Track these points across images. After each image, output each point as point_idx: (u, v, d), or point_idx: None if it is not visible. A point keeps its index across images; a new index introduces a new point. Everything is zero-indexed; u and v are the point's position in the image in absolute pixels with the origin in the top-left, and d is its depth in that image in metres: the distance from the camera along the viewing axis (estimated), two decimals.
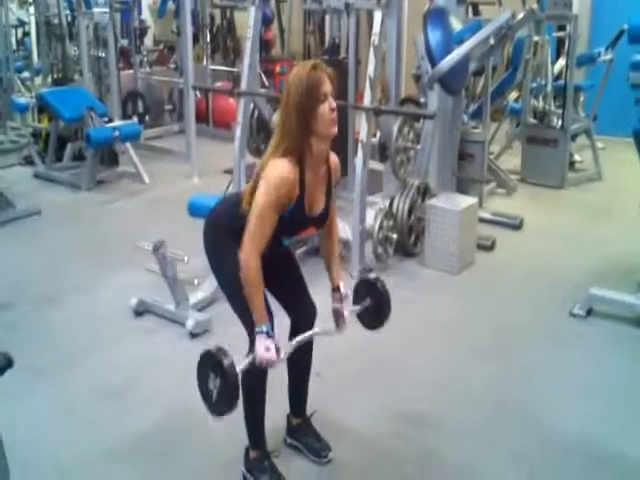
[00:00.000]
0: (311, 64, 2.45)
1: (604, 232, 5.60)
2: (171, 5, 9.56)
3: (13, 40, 8.96)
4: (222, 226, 2.63)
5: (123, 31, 9.55)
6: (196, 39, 8.77)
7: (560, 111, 6.82)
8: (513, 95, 7.31)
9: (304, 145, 2.45)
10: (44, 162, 7.14)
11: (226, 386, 2.31)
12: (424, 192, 5.14)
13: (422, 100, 6.08)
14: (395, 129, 4.89)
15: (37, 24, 8.91)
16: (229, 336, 3.66)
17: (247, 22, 5.28)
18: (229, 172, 5.80)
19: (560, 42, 7.57)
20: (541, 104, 7.01)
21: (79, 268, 4.90)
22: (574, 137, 7.14)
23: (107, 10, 7.71)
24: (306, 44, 10.14)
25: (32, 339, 3.93)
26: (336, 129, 2.49)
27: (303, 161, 2.46)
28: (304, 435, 2.98)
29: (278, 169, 2.42)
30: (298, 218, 2.55)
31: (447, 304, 4.44)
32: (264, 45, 9.26)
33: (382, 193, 5.46)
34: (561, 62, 7.32)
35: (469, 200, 4.99)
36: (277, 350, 2.46)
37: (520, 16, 5.61)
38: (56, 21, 8.49)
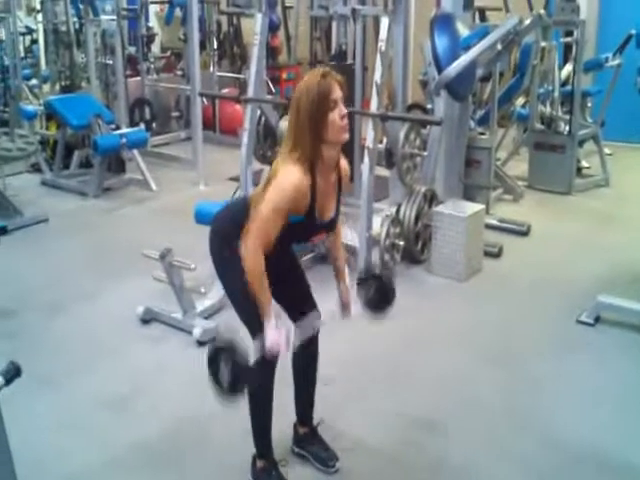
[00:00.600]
0: (321, 72, 2.45)
1: (612, 239, 5.58)
2: (178, 12, 9.57)
3: (21, 48, 8.98)
4: (228, 233, 2.62)
5: (130, 38, 9.57)
6: (203, 46, 8.78)
7: (567, 117, 6.80)
8: (520, 101, 7.28)
9: (315, 153, 2.44)
10: (51, 169, 7.15)
11: (235, 372, 2.30)
12: (431, 199, 5.13)
13: (429, 106, 6.07)
14: (402, 135, 4.88)
15: (45, 32, 8.97)
16: None
17: (254, 29, 5.28)
18: (235, 179, 5.80)
19: (567, 48, 7.54)
20: (548, 110, 6.99)
21: (86, 276, 4.90)
22: (581, 143, 7.11)
23: (114, 17, 7.75)
24: (313, 51, 10.13)
25: (38, 347, 3.93)
26: (347, 135, 2.49)
27: (314, 168, 2.45)
28: (311, 444, 2.97)
29: (291, 176, 2.41)
30: (310, 225, 2.54)
31: (454, 311, 4.42)
32: (271, 52, 9.26)
33: (389, 200, 5.44)
34: (568, 68, 7.30)
35: (476, 207, 4.97)
36: (286, 339, 2.46)
37: (527, 22, 5.60)
38: (64, 29, 8.55)
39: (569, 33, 7.24)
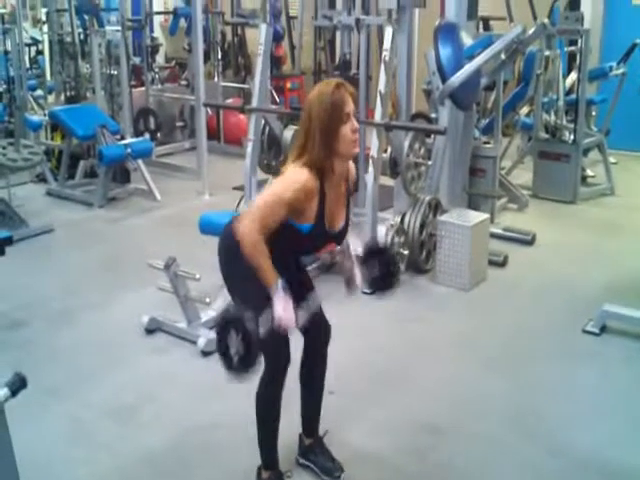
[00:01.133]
0: (335, 83, 2.43)
1: (617, 247, 5.56)
2: (182, 23, 9.62)
3: (27, 58, 9.03)
4: (236, 245, 2.62)
5: (135, 49, 9.63)
6: (207, 56, 8.80)
7: (572, 126, 6.79)
8: (525, 110, 7.29)
9: (325, 164, 2.43)
10: (57, 180, 7.16)
11: (247, 342, 2.26)
12: (435, 208, 5.13)
13: (433, 115, 6.08)
14: (406, 145, 4.88)
15: (50, 43, 9.00)
16: None
17: (258, 39, 5.31)
18: (240, 189, 5.81)
19: (572, 56, 7.56)
20: (553, 119, 6.99)
21: (91, 286, 4.90)
22: (586, 152, 7.11)
23: (119, 28, 7.78)
24: (317, 60, 10.17)
25: (44, 358, 3.92)
26: (357, 150, 2.48)
27: (324, 179, 2.45)
28: (317, 455, 2.95)
29: (297, 173, 2.41)
30: (320, 234, 2.54)
31: (459, 320, 4.41)
32: (275, 62, 9.28)
33: (393, 209, 5.44)
34: (573, 76, 7.31)
35: (481, 216, 4.97)
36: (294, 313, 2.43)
37: (531, 31, 5.60)
38: (69, 39, 8.57)
39: (573, 42, 7.26)
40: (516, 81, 7.50)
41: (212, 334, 3.99)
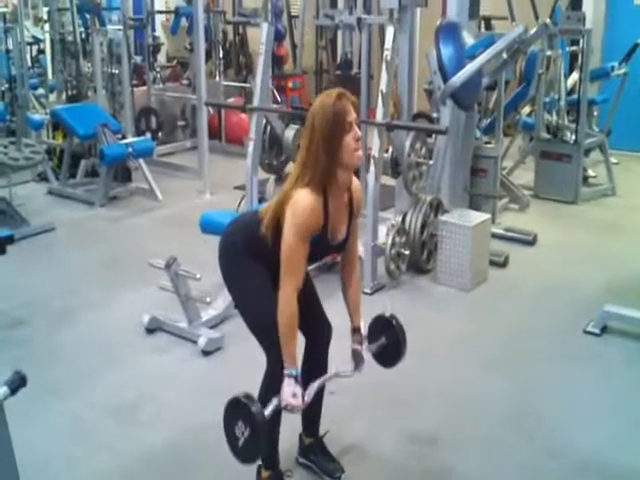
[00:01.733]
0: (336, 93, 2.44)
1: (618, 248, 5.56)
2: (184, 22, 9.62)
3: (28, 57, 9.02)
4: (237, 245, 2.63)
5: (136, 48, 9.62)
6: (209, 55, 8.79)
7: (573, 126, 6.79)
8: (526, 110, 7.29)
9: (329, 175, 2.44)
10: (58, 179, 7.17)
11: (255, 434, 2.31)
12: (436, 208, 5.13)
13: (434, 115, 6.08)
14: (407, 144, 4.88)
15: (52, 42, 9.01)
16: (241, 354, 3.68)
17: (259, 38, 5.30)
18: (241, 188, 5.81)
19: (573, 56, 7.56)
20: (554, 119, 6.98)
21: (92, 285, 4.91)
22: (588, 152, 7.10)
23: (121, 27, 7.78)
24: (318, 60, 10.17)
25: (45, 356, 3.93)
26: (360, 160, 2.51)
27: (327, 190, 2.46)
28: (317, 455, 2.95)
29: (303, 201, 2.41)
30: (321, 246, 2.55)
31: (460, 321, 4.41)
32: (276, 61, 9.28)
33: (394, 209, 5.44)
34: (574, 76, 7.30)
35: (482, 216, 4.97)
36: (302, 396, 2.48)
37: (533, 31, 5.60)
38: (71, 38, 8.58)
39: (575, 42, 7.25)
40: (518, 81, 7.49)
41: (213, 333, 4.02)
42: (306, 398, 2.52)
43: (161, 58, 10.77)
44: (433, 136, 5.41)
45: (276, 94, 8.48)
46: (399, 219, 4.96)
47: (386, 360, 2.93)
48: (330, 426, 3.03)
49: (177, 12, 9.62)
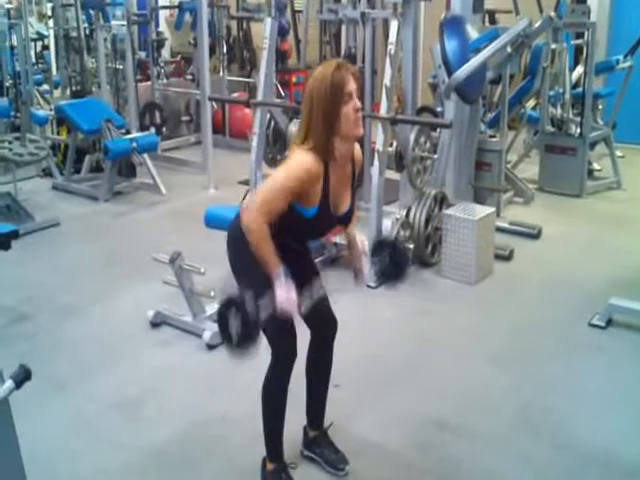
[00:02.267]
0: (335, 63, 2.42)
1: (624, 241, 5.54)
2: (188, 17, 9.61)
3: (32, 53, 9.04)
4: (244, 237, 2.62)
5: (140, 43, 9.63)
6: (212, 50, 8.80)
7: (578, 119, 6.77)
8: (531, 103, 7.27)
9: (328, 145, 2.41)
10: (62, 174, 7.18)
11: (245, 322, 2.27)
12: (441, 202, 5.12)
13: (439, 109, 6.07)
14: (412, 138, 4.87)
15: (56, 37, 9.01)
16: None
17: (263, 33, 5.30)
18: (245, 183, 5.80)
19: (578, 50, 7.53)
20: (559, 112, 6.96)
21: (96, 279, 4.91)
22: (593, 145, 7.08)
23: (125, 23, 7.77)
24: (322, 54, 10.14)
25: (49, 351, 3.94)
26: (361, 130, 2.47)
27: (328, 161, 2.43)
28: (321, 447, 2.96)
29: (301, 159, 2.39)
30: (325, 218, 2.53)
31: (465, 314, 4.41)
32: (280, 56, 9.27)
33: (398, 203, 5.44)
34: (579, 70, 7.28)
35: (486, 209, 4.96)
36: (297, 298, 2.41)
37: (537, 24, 5.59)
38: (75, 34, 8.58)
39: (580, 35, 7.22)
40: (522, 75, 7.49)
41: (217, 327, 4.01)
42: (303, 307, 2.48)
43: (165, 53, 10.78)
44: (437, 130, 5.40)
45: (280, 89, 8.47)
46: (403, 213, 4.95)
47: (387, 278, 2.83)
48: (334, 418, 3.03)
49: (181, 7, 9.61)
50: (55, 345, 4.02)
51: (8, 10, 7.86)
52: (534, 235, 5.62)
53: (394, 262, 2.78)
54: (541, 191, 6.78)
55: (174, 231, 5.74)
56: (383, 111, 4.65)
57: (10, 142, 6.29)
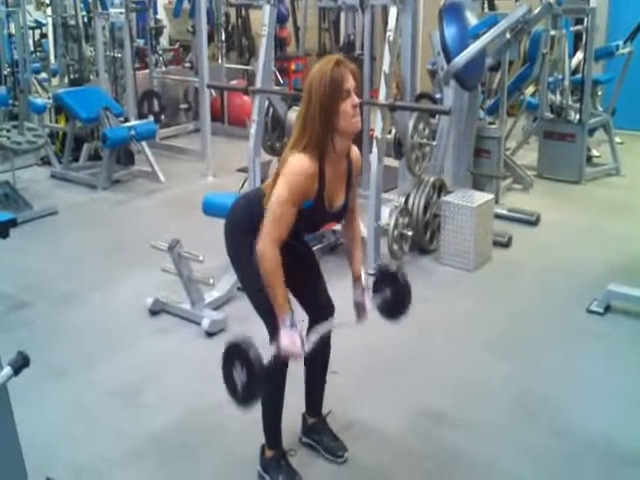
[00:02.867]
0: (335, 60, 2.42)
1: (622, 228, 5.54)
2: (186, 5, 9.58)
3: (30, 42, 9.01)
4: (242, 223, 2.62)
5: (139, 31, 9.58)
6: (211, 38, 8.76)
7: (578, 105, 6.75)
8: (530, 90, 7.25)
9: (326, 141, 2.42)
10: (61, 162, 7.17)
11: (252, 377, 2.28)
12: (440, 189, 5.11)
13: (438, 96, 6.05)
14: (410, 125, 4.85)
15: (54, 26, 8.98)
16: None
17: (262, 20, 5.27)
18: (244, 170, 5.80)
19: (577, 36, 7.50)
20: (558, 98, 6.94)
21: (95, 267, 4.92)
22: (592, 132, 7.07)
23: (123, 11, 7.73)
24: (321, 42, 10.13)
25: (48, 338, 3.95)
26: (359, 126, 2.47)
27: (324, 157, 2.43)
28: (320, 434, 2.97)
29: (297, 165, 2.39)
30: (318, 214, 2.53)
31: (463, 301, 4.41)
32: (279, 43, 9.25)
33: (397, 190, 5.43)
34: (579, 56, 7.25)
35: (485, 196, 4.95)
36: (301, 342, 2.43)
37: (537, 10, 5.56)
38: (73, 22, 8.56)
39: (579, 21, 7.19)
40: (521, 61, 7.46)
41: (216, 315, 4.02)
42: (306, 347, 2.47)
43: (163, 41, 10.73)
44: (436, 117, 5.39)
45: (279, 76, 8.44)
46: (402, 200, 4.95)
47: (389, 313, 2.84)
48: (333, 405, 3.04)
49: None
50: (54, 332, 4.03)
51: None
52: (533, 222, 5.61)
53: (396, 295, 2.80)
54: (540, 178, 6.78)
55: (172, 219, 5.74)
56: (382, 98, 4.63)
57: (8, 130, 6.28)
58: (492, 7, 7.63)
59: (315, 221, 2.60)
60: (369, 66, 5.77)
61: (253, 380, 2.29)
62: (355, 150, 2.63)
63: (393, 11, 4.70)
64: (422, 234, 4.97)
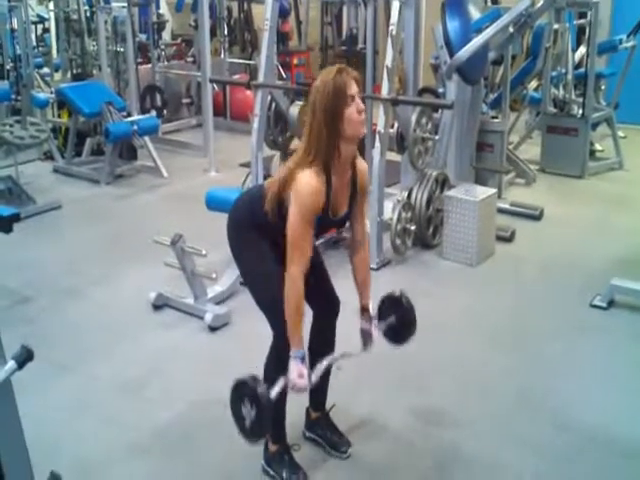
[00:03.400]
0: (336, 68, 2.44)
1: (625, 222, 5.54)
2: None
3: (33, 36, 9.00)
4: (244, 220, 2.64)
5: (141, 26, 9.58)
6: (213, 32, 8.76)
7: (581, 100, 6.75)
8: (533, 84, 7.24)
9: (332, 149, 2.42)
10: (63, 157, 7.17)
11: (261, 414, 2.32)
12: (442, 183, 5.11)
13: (440, 90, 6.04)
14: (413, 119, 4.85)
15: (56, 20, 8.97)
16: (248, 329, 3.69)
17: (264, 14, 5.27)
18: (246, 165, 5.80)
19: (581, 30, 7.49)
20: (561, 93, 6.94)
21: (98, 262, 4.92)
22: (595, 126, 7.06)
23: (125, 5, 7.73)
24: (324, 36, 10.12)
25: (52, 333, 3.95)
26: (364, 130, 2.49)
27: (330, 166, 2.44)
28: (323, 429, 2.97)
29: (307, 185, 2.39)
30: (323, 222, 2.54)
31: (466, 296, 4.41)
32: (281, 37, 9.24)
33: (400, 184, 5.43)
34: (582, 50, 7.24)
35: (488, 191, 4.95)
36: (308, 376, 2.48)
37: (540, 4, 5.55)
38: (75, 17, 8.54)
39: (582, 15, 7.17)
40: (524, 55, 7.45)
41: (219, 309, 4.03)
42: (312, 378, 2.52)
43: (166, 36, 10.72)
44: (439, 111, 5.38)
45: (281, 70, 8.44)
46: (405, 194, 4.95)
47: (395, 338, 2.91)
48: (337, 400, 3.04)
49: None
50: (57, 327, 4.03)
51: None
52: (536, 216, 5.61)
53: (401, 319, 2.86)
54: (543, 172, 6.77)
55: (175, 213, 5.75)
56: (384, 92, 4.63)
57: (11, 125, 6.29)
58: (495, 1, 7.61)
59: (319, 229, 2.60)
60: (372, 60, 5.74)
61: (262, 417, 2.32)
62: (362, 162, 2.63)
63: (396, 5, 4.69)
64: (425, 229, 4.97)
